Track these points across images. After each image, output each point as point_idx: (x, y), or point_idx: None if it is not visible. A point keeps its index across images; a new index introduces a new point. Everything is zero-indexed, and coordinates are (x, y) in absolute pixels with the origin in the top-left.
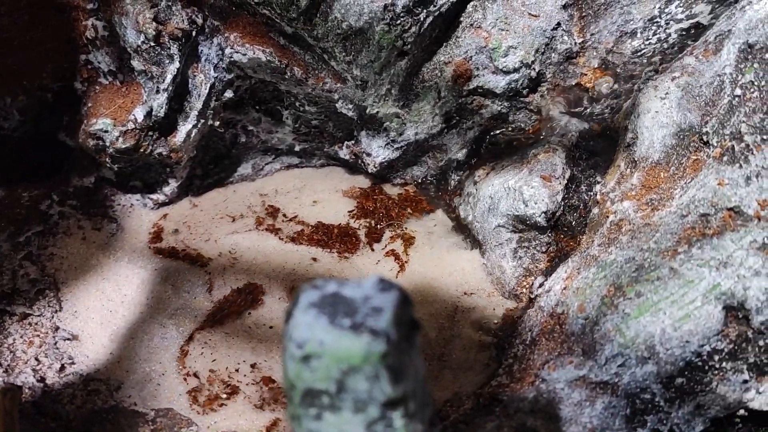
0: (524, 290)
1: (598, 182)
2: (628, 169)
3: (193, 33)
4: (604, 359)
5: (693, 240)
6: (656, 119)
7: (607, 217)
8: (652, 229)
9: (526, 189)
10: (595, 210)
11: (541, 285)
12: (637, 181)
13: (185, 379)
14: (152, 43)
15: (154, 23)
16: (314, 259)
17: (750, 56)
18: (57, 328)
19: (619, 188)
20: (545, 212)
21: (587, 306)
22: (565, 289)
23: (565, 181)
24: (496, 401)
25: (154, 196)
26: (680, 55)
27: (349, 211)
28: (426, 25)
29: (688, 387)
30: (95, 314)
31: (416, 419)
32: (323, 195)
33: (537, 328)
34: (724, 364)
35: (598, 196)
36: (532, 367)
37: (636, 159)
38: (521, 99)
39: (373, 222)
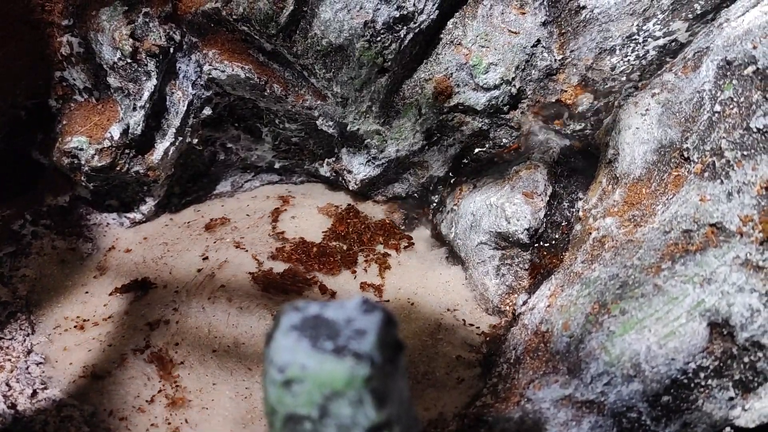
0: (508, 307)
1: (580, 198)
2: (610, 186)
3: (171, 49)
4: (589, 378)
5: (676, 256)
6: (637, 135)
7: (590, 233)
8: (635, 245)
9: (508, 206)
10: (578, 226)
11: (524, 302)
12: (619, 197)
13: (164, 402)
14: (129, 60)
15: (130, 39)
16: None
17: (729, 72)
18: (29, 352)
19: (601, 204)
20: (528, 229)
21: (572, 324)
22: (549, 306)
23: (547, 198)
24: (481, 422)
25: (131, 215)
26: (659, 72)
27: (323, 232)
28: (406, 42)
29: (675, 405)
30: (69, 337)
31: None
32: (302, 210)
33: (521, 347)
34: (709, 381)
35: (581, 213)
36: (517, 386)
37: (618, 175)
38: (502, 116)
39: (345, 246)
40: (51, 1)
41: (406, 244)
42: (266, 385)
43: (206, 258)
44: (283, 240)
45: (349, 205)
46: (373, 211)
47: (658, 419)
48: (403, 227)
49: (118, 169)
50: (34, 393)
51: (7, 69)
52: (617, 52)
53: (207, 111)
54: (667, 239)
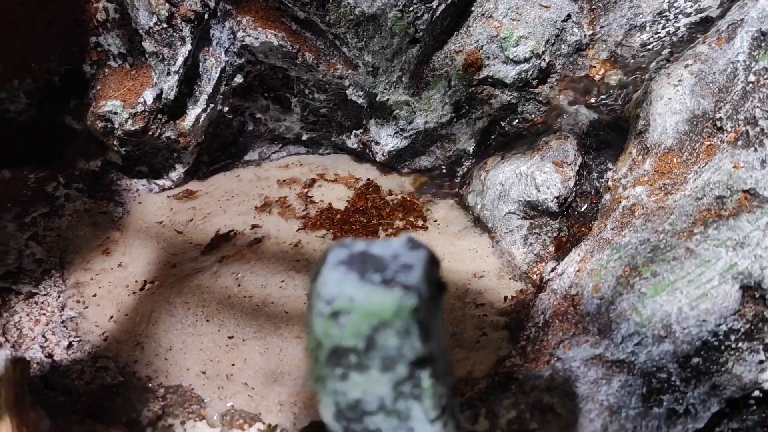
0: (535, 275)
1: (610, 169)
2: (640, 156)
3: (206, 16)
4: (620, 338)
5: (709, 221)
6: (669, 106)
7: (620, 202)
8: (666, 212)
9: (538, 174)
10: (607, 196)
11: (553, 269)
12: (650, 166)
13: (194, 355)
14: (164, 25)
15: (167, 4)
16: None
17: (763, 43)
18: (63, 307)
19: (631, 174)
20: (557, 197)
21: (602, 286)
22: (578, 271)
23: (577, 168)
24: (511, 380)
25: (160, 182)
26: (692, 44)
27: (346, 201)
28: (438, 12)
29: (704, 367)
30: (102, 293)
31: (441, 382)
32: (327, 180)
33: (550, 311)
34: (740, 343)
35: (610, 183)
36: (546, 347)
37: (648, 145)
38: (531, 90)
39: (364, 219)
40: None
41: (422, 224)
42: (312, 319)
43: (234, 223)
44: (311, 203)
45: (368, 180)
46: (399, 182)
47: (687, 380)
48: (428, 199)
49: (150, 133)
50: (70, 345)
51: (43, 35)
52: (647, 28)
53: (239, 79)
54: (699, 205)
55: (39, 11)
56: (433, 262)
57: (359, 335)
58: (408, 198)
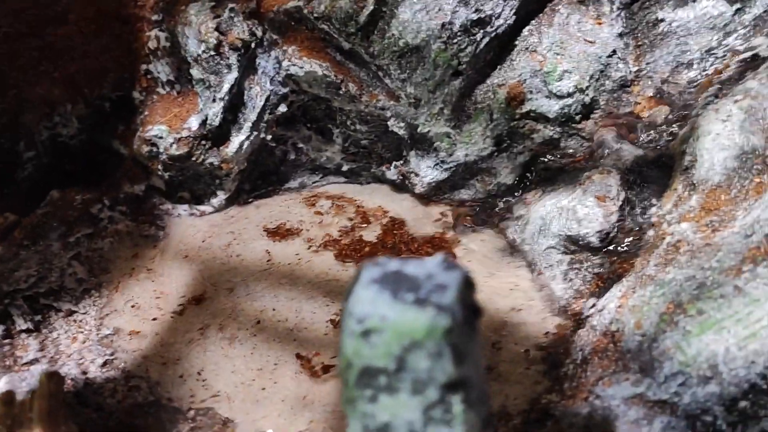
0: (575, 311)
1: (653, 205)
2: (686, 192)
3: (253, 44)
4: (663, 377)
5: (759, 259)
6: (717, 141)
7: (664, 238)
8: (713, 249)
9: (580, 208)
10: (651, 232)
11: (593, 305)
12: (696, 203)
13: (226, 378)
14: (212, 53)
15: (216, 33)
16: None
17: None
18: (100, 326)
19: (676, 210)
20: (599, 231)
21: (645, 323)
22: (619, 307)
23: (620, 203)
24: (547, 416)
25: (202, 207)
26: (742, 81)
27: (376, 236)
28: (482, 45)
29: (752, 411)
30: (138, 313)
31: (474, 410)
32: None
33: (589, 347)
34: None
35: (654, 219)
36: (585, 384)
37: (695, 181)
38: (573, 125)
39: (392, 254)
40: None
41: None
42: (343, 339)
43: (270, 248)
44: (345, 233)
45: (392, 218)
46: (436, 214)
47: (733, 425)
48: (465, 232)
49: (193, 159)
50: (105, 363)
51: (98, 61)
52: (695, 65)
53: (282, 108)
54: (748, 243)
55: (96, 38)
56: (468, 284)
57: (390, 355)
58: (437, 235)
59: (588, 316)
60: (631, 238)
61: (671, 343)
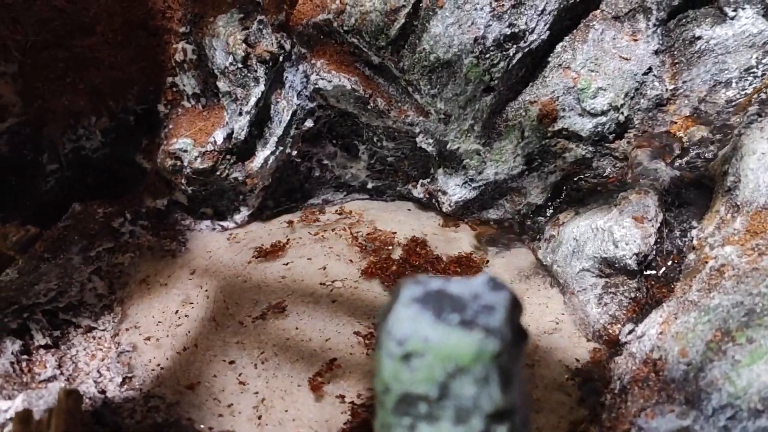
0: (610, 336)
1: (694, 228)
2: (729, 214)
3: (281, 57)
4: (711, 410)
5: None
6: (763, 161)
7: (707, 262)
8: (761, 273)
9: (617, 229)
10: (692, 256)
11: (631, 331)
12: (741, 225)
13: (247, 399)
14: (240, 65)
15: (243, 45)
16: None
17: None
18: (120, 343)
19: (719, 233)
20: (637, 254)
21: (690, 351)
22: (661, 334)
23: (658, 224)
24: None
25: (224, 223)
26: None
27: (399, 256)
28: (515, 61)
29: None
30: (158, 331)
31: None
32: (388, 227)
33: (628, 376)
34: None
35: (695, 242)
36: (625, 415)
37: (738, 203)
38: (607, 144)
39: (418, 273)
40: (171, 8)
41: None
42: (381, 360)
43: (295, 265)
44: (370, 253)
45: (417, 237)
46: (463, 235)
47: None
48: (494, 252)
49: (218, 173)
50: (123, 381)
51: (123, 73)
52: (733, 84)
53: (309, 123)
54: None
55: (122, 49)
56: (516, 306)
57: (432, 381)
58: (465, 255)
59: (626, 343)
60: (670, 262)
61: (719, 373)
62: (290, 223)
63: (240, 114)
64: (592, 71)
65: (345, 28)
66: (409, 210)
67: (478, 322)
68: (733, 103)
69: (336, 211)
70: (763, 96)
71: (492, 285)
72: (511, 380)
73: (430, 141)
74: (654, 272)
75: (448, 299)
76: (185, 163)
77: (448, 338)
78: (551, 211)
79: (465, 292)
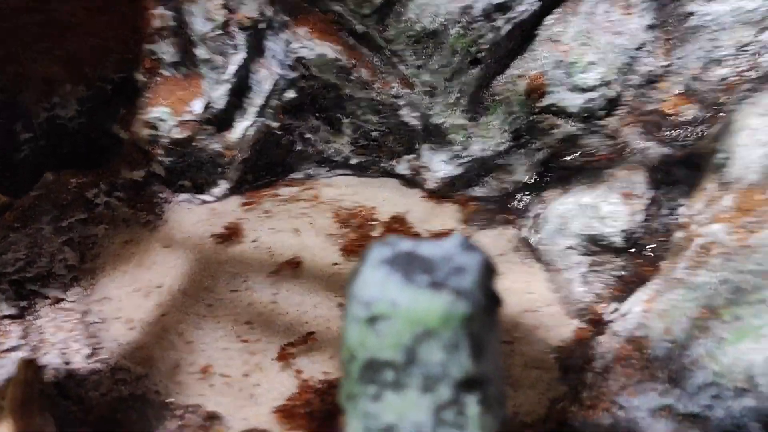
0: (594, 315)
1: (681, 206)
2: (719, 191)
3: (262, 25)
4: (694, 388)
5: None
6: (755, 137)
7: (693, 240)
8: (751, 251)
9: (604, 205)
10: (679, 234)
11: (615, 310)
12: (730, 203)
13: (218, 373)
14: (220, 31)
15: (224, 10)
16: None
17: None
18: (88, 315)
19: (707, 211)
20: (624, 231)
21: (675, 329)
22: (646, 311)
23: (647, 201)
24: (565, 426)
25: (203, 197)
26: None
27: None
28: (503, 33)
29: None
30: (130, 303)
31: (492, 413)
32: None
33: (611, 354)
34: None
35: (683, 220)
36: (606, 393)
37: (728, 180)
38: (596, 121)
39: None
40: None
41: None
42: (347, 326)
43: (273, 240)
44: (350, 228)
45: (399, 213)
46: (447, 211)
47: None
48: (478, 229)
49: (195, 144)
50: (90, 354)
51: (100, 39)
52: (728, 62)
53: (291, 94)
54: None
55: (100, 15)
56: (489, 268)
57: (399, 346)
58: (446, 232)
59: (610, 321)
60: (657, 240)
61: (704, 351)
62: (272, 197)
63: (218, 83)
64: (584, 45)
65: None
66: (393, 187)
67: (448, 284)
68: (726, 81)
69: (318, 186)
70: (759, 73)
71: (464, 246)
72: (483, 348)
73: (415, 114)
74: (641, 250)
75: (419, 261)
76: (162, 133)
77: (417, 300)
78: (538, 189)
79: (436, 253)
